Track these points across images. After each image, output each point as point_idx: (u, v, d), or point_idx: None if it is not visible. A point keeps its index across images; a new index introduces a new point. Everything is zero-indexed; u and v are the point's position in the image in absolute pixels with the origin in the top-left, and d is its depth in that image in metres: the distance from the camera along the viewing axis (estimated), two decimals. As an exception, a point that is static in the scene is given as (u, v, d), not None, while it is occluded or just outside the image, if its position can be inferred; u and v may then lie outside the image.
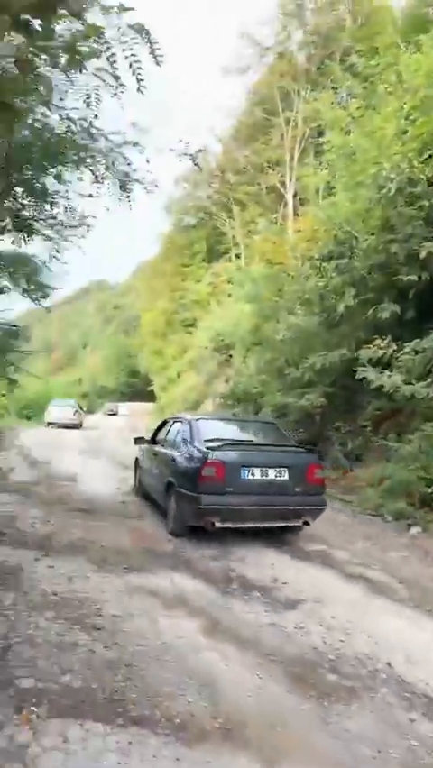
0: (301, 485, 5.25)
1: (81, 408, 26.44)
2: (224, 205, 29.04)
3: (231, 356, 19.13)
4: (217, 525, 4.93)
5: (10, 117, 1.96)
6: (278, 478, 5.17)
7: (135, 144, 5.97)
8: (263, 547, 5.28)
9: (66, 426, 21.38)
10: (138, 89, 3.61)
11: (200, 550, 5.06)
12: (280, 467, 5.21)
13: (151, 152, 6.29)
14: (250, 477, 5.08)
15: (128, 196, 6.21)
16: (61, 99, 5.07)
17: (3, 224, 5.70)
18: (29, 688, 2.52)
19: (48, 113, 5.51)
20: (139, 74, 3.57)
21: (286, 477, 5.20)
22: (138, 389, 49.94)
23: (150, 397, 39.85)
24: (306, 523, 5.31)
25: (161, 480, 6.09)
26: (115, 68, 3.87)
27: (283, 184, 24.65)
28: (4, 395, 5.99)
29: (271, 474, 5.16)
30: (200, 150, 7.58)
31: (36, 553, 4.58)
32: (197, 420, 6.09)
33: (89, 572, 4.23)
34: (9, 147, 4.72)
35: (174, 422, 6.61)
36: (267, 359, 11.19)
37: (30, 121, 5.25)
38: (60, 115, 5.57)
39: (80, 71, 4.57)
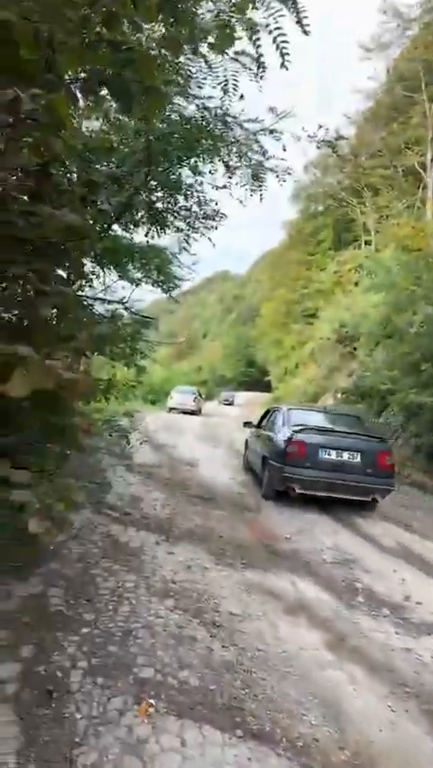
0: (372, 467, 6.26)
1: (201, 395, 27.27)
2: (355, 191, 27.63)
3: (355, 349, 18.18)
4: (298, 491, 6.18)
5: (156, 102, 1.88)
6: (351, 459, 6.28)
7: (272, 132, 5.76)
8: (391, 558, 4.88)
9: (185, 412, 22.21)
10: (282, 65, 3.37)
11: (320, 554, 4.80)
12: (354, 451, 6.32)
13: (287, 139, 6.03)
14: (327, 456, 6.25)
15: (260, 186, 6.04)
16: (199, 87, 5.02)
17: (137, 216, 5.88)
18: (148, 678, 2.53)
19: (184, 103, 5.55)
20: (284, 47, 3.33)
21: (358, 459, 6.28)
22: (255, 379, 50.24)
23: (266, 387, 39.81)
24: (375, 500, 6.34)
25: (260, 455, 7.46)
26: (258, 46, 3.70)
27: (423, 165, 22.65)
28: (134, 385, 6.27)
29: (345, 456, 6.29)
30: (341, 137, 7.13)
31: (157, 537, 4.71)
32: (289, 410, 7.53)
33: (208, 563, 4.22)
34: (148, 139, 4.81)
35: (274, 411, 8.08)
36: (399, 353, 10.34)
37: (167, 112, 5.33)
38: (197, 105, 5.57)
39: (223, 54, 4.50)
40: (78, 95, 1.85)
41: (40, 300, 1.80)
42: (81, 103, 2.24)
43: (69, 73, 1.87)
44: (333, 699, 2.54)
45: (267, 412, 8.61)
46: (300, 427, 6.53)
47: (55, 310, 2.33)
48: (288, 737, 2.22)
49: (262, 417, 8.67)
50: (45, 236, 2.22)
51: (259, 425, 8.50)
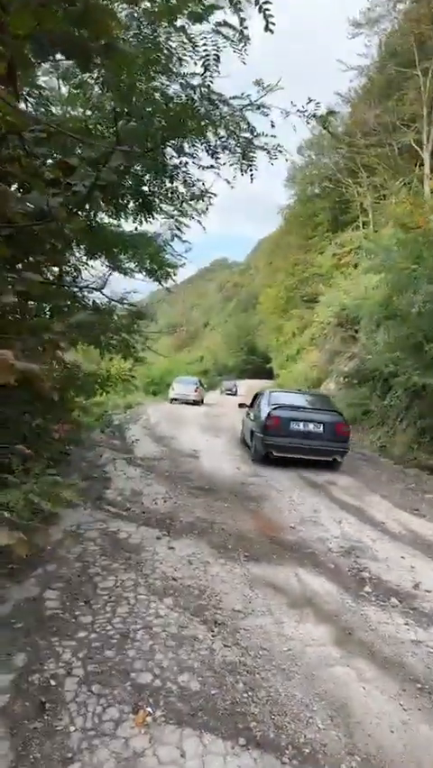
0: (332, 435, 8.02)
1: (202, 385, 27.12)
2: (350, 172, 27.11)
3: (356, 332, 17.95)
4: (275, 454, 8.05)
5: (120, 61, 1.70)
6: (315, 429, 8.03)
7: (259, 107, 5.51)
8: (399, 545, 4.75)
9: (187, 402, 22.07)
10: (266, 27, 3.14)
11: (326, 543, 4.67)
12: (318, 422, 8.06)
13: (276, 116, 5.78)
14: (297, 427, 8.01)
15: (250, 166, 5.81)
16: (180, 60, 4.79)
17: (123, 202, 5.67)
18: (146, 684, 2.41)
19: (167, 81, 5.32)
20: (267, 8, 3.10)
21: (321, 429, 8.03)
22: (257, 367, 50.03)
23: (269, 374, 39.63)
24: (335, 460, 8.10)
25: (249, 429, 9.38)
26: (240, 9, 3.48)
27: (419, 142, 22.15)
28: (128, 380, 6.16)
29: (311, 426, 8.04)
30: (332, 112, 6.86)
31: (158, 532, 4.58)
32: (271, 392, 9.47)
33: (209, 557, 4.09)
34: (115, 111, 4.59)
35: (260, 394, 9.90)
36: (402, 334, 10.10)
37: (149, 90, 5.10)
38: (180, 83, 5.34)
39: (201, 22, 4.28)
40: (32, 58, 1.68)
41: (1, 287, 1.64)
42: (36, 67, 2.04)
43: (20, 33, 1.69)
44: (341, 699, 2.41)
45: (256, 395, 10.37)
46: (276, 406, 8.34)
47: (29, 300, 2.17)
48: (294, 744, 2.10)
49: (253, 400, 10.30)
50: (11, 220, 2.06)
51: (251, 406, 10.23)
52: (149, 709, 2.23)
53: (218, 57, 4.80)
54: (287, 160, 5.80)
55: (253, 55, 4.78)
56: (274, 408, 8.19)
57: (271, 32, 3.17)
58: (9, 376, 1.28)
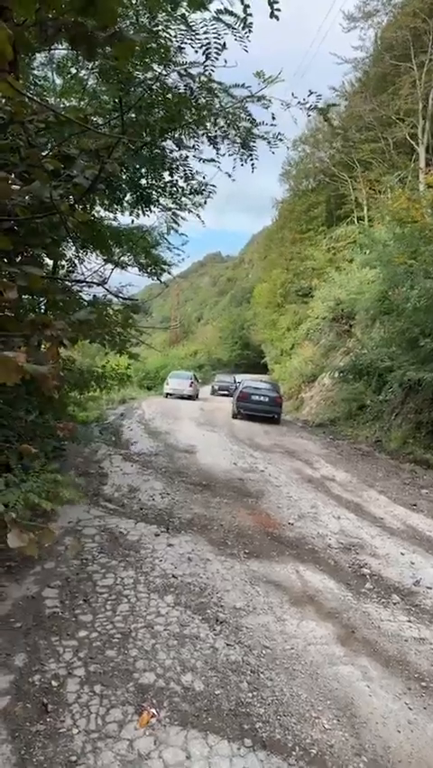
0: (273, 403, 14.76)
1: (197, 380, 27.06)
2: (346, 166, 27.01)
3: (351, 326, 17.94)
4: (243, 412, 14.73)
5: (123, 49, 1.64)
6: (264, 399, 14.74)
7: (260, 99, 5.44)
8: (398, 541, 4.75)
9: (182, 397, 22.02)
10: (271, 14, 3.07)
11: (325, 539, 4.67)
12: (265, 396, 14.90)
13: (276, 108, 5.71)
14: (256, 398, 14.73)
15: (250, 155, 5.74)
16: (181, 49, 4.70)
17: (121, 195, 5.59)
18: (149, 684, 2.38)
19: (165, 71, 5.23)
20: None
21: (267, 400, 14.74)
22: (252, 361, 49.91)
23: (263, 369, 39.55)
24: (273, 418, 14.65)
25: (233, 402, 15.88)
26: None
27: (414, 136, 22.10)
28: (122, 378, 6.12)
29: (262, 398, 14.78)
30: (332, 105, 6.77)
31: (156, 529, 4.55)
32: (243, 380, 16.61)
33: (209, 554, 4.07)
34: (122, 102, 4.50)
35: (239, 382, 17.27)
36: (397, 329, 10.09)
37: (148, 80, 5.01)
38: (179, 72, 5.25)
39: (201, 10, 4.19)
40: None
41: (4, 283, 1.58)
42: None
43: (24, 18, 1.62)
44: (346, 698, 2.40)
45: (237, 383, 18.04)
46: (244, 386, 15.28)
47: (29, 295, 2.11)
48: (300, 745, 2.08)
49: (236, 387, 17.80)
50: (11, 212, 1.99)
51: (236, 389, 17.08)
52: (153, 710, 2.20)
53: (220, 45, 4.71)
54: (288, 148, 5.75)
55: (254, 47, 4.70)
56: (243, 388, 15.27)
57: (277, 18, 3.11)
58: (16, 376, 1.24)
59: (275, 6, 3.04)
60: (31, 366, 1.20)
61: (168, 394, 22.44)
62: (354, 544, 4.58)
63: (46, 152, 3.22)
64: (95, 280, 4.52)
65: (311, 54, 74.56)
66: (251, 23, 4.16)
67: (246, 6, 3.61)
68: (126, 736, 2.06)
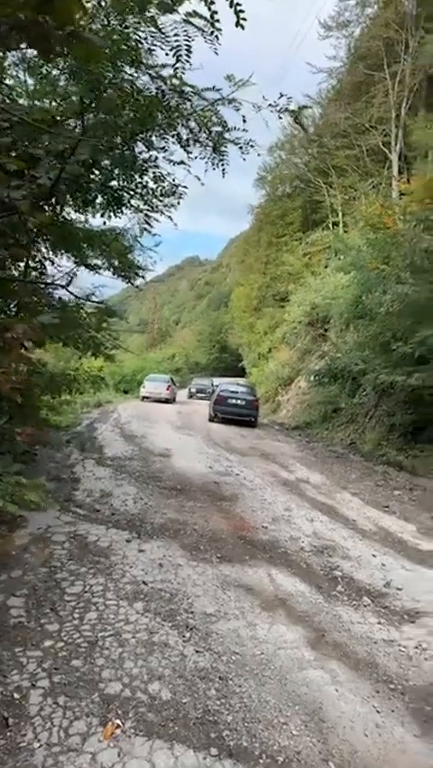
0: (249, 406, 14.69)
1: (174, 383, 26.96)
2: (321, 172, 27.39)
3: (327, 330, 18.14)
4: (219, 416, 14.76)
5: (85, 51, 1.61)
6: (241, 403, 14.71)
7: (231, 102, 5.45)
8: (370, 543, 4.79)
9: (159, 401, 21.89)
10: (237, 23, 3.07)
11: (298, 542, 4.67)
12: (242, 399, 14.83)
13: (247, 110, 5.73)
14: (232, 401, 14.75)
15: (222, 160, 5.74)
16: (151, 51, 4.68)
17: (91, 197, 5.51)
18: (115, 694, 2.32)
19: (135, 74, 5.20)
20: (238, 4, 3.03)
21: (244, 404, 14.70)
22: (229, 365, 50.07)
23: (241, 372, 39.67)
24: (250, 421, 14.65)
25: (210, 405, 15.96)
26: (212, 2, 3.39)
27: (387, 144, 22.57)
28: (95, 381, 6.02)
29: (239, 401, 14.73)
30: (304, 107, 6.82)
31: (128, 534, 4.48)
32: (221, 384, 17.05)
33: (181, 560, 4.03)
34: (83, 103, 4.44)
35: (216, 385, 19.75)
36: (370, 333, 10.24)
37: (116, 81, 4.97)
38: (150, 75, 5.22)
39: (171, 12, 4.19)
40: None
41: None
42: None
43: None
44: (314, 703, 2.39)
45: (215, 386, 18.47)
46: (221, 390, 15.45)
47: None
48: (267, 752, 2.05)
49: (213, 389, 18.36)
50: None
51: (213, 393, 17.33)
52: (118, 721, 2.15)
53: (189, 48, 4.69)
54: (259, 155, 5.74)
55: (229, 50, 4.70)
56: (220, 391, 15.32)
57: (243, 27, 3.11)
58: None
59: (241, 16, 3.04)
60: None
61: (144, 397, 22.27)
62: (326, 547, 4.60)
63: (11, 153, 3.16)
64: (62, 283, 4.45)
65: (288, 60, 75.38)
66: (219, 29, 4.16)
67: (213, 12, 3.60)
68: (89, 749, 2.01)
